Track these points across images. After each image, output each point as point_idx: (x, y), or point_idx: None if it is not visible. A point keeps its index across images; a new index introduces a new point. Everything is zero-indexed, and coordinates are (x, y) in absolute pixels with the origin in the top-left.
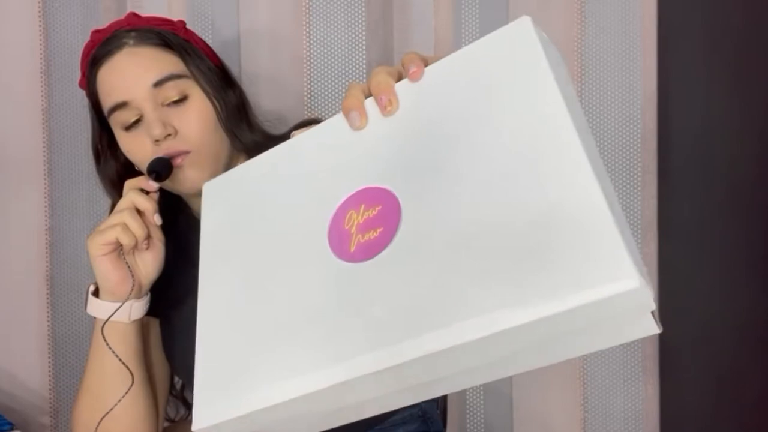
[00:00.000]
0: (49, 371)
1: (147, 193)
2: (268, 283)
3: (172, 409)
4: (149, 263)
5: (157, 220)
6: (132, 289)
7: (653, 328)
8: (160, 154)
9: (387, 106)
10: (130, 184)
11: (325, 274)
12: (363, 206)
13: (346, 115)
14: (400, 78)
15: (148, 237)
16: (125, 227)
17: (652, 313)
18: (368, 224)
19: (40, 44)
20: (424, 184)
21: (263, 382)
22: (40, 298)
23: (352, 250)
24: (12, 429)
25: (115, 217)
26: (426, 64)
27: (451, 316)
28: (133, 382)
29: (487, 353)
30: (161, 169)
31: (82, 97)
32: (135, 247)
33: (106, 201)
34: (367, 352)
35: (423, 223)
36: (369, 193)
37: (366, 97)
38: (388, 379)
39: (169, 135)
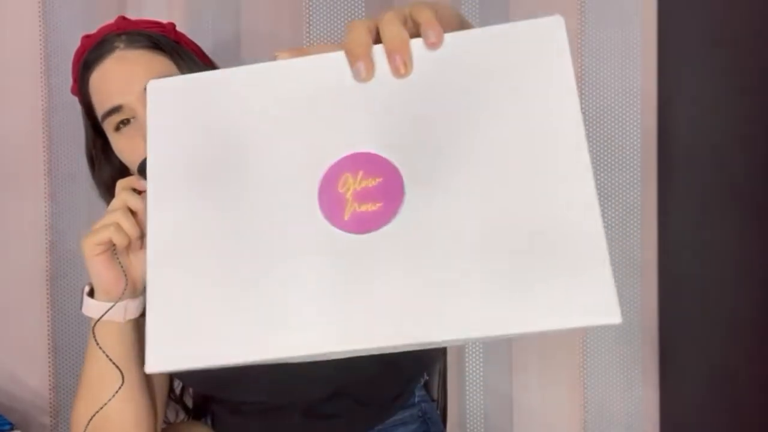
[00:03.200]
0: (49, 371)
1: (139, 192)
2: (238, 230)
3: (172, 413)
4: (144, 262)
5: None
6: (125, 289)
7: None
8: None
9: (401, 69)
10: (122, 185)
11: (311, 237)
12: (362, 173)
13: (351, 63)
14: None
15: (142, 236)
16: (118, 227)
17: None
18: (366, 195)
19: (40, 44)
20: (430, 168)
21: (226, 339)
22: (40, 298)
23: (346, 218)
24: (12, 429)
25: (108, 217)
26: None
27: (434, 318)
28: (123, 383)
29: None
30: None
31: None
32: (129, 246)
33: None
34: (340, 329)
35: (425, 211)
36: (369, 160)
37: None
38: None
39: None
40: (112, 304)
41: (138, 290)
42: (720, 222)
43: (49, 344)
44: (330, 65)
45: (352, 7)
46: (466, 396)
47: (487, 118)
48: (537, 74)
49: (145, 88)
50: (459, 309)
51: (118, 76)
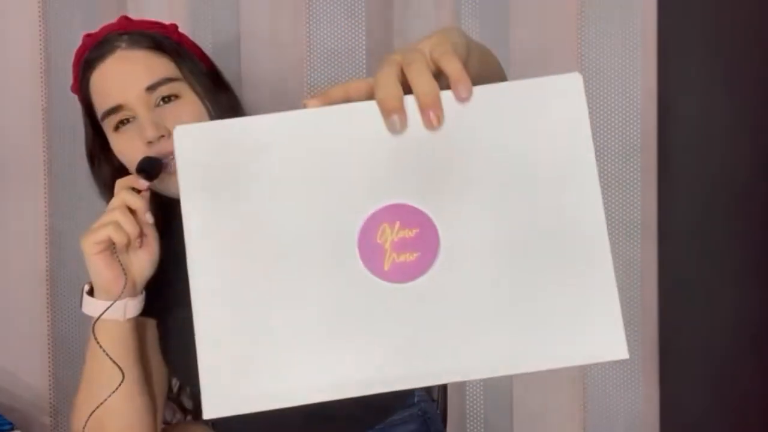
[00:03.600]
0: (49, 371)
1: (138, 192)
2: (282, 277)
3: (169, 413)
4: (143, 261)
5: (148, 218)
6: (124, 287)
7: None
8: (151, 155)
9: (434, 123)
10: (121, 184)
11: (354, 286)
12: (398, 223)
13: (386, 116)
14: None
15: (142, 235)
16: (117, 225)
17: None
18: (404, 245)
19: (40, 44)
20: (462, 216)
21: (282, 382)
22: (40, 298)
23: (386, 268)
24: (12, 429)
25: (107, 216)
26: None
27: (468, 357)
28: (123, 380)
29: None
30: (150, 168)
31: None
32: (128, 245)
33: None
34: (386, 372)
35: (459, 259)
36: (405, 211)
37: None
38: None
39: (162, 136)
40: (111, 302)
41: (137, 289)
42: (720, 222)
43: (49, 344)
44: (361, 115)
45: (352, 8)
46: (466, 396)
47: (511, 168)
48: (556, 127)
49: (145, 88)
50: (485, 350)
51: (119, 75)
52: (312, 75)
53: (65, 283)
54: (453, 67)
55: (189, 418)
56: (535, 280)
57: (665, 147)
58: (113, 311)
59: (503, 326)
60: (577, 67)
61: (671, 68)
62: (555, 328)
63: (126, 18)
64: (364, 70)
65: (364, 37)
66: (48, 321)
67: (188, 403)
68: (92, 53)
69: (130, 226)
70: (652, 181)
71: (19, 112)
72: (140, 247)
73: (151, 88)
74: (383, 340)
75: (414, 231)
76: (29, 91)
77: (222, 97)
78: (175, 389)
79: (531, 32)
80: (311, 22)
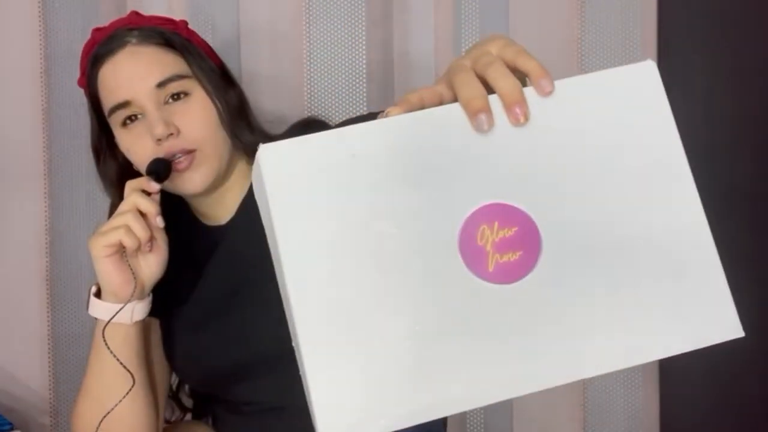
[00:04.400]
0: (49, 371)
1: (148, 194)
2: (387, 289)
3: (168, 411)
4: (152, 265)
5: (159, 222)
6: (134, 291)
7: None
8: (161, 155)
9: (521, 119)
10: (131, 186)
11: (461, 290)
12: (497, 224)
13: (472, 116)
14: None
15: (151, 238)
16: (128, 229)
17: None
18: (505, 245)
19: (40, 44)
20: (559, 211)
21: (396, 400)
22: (40, 298)
23: (490, 269)
24: (12, 429)
25: (118, 219)
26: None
27: (585, 355)
28: (133, 385)
29: None
30: (160, 170)
31: (82, 97)
32: (138, 248)
33: (106, 201)
34: (505, 379)
35: (563, 255)
36: (502, 210)
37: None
38: None
39: (171, 134)
40: (120, 305)
41: (146, 292)
42: (720, 222)
43: (49, 344)
44: (445, 118)
45: (352, 6)
46: None
47: (600, 158)
48: (639, 115)
49: (155, 85)
50: (604, 344)
51: (129, 71)
52: (312, 74)
53: (65, 283)
54: (532, 64)
55: (188, 416)
56: (640, 268)
57: None
58: (121, 315)
59: (618, 318)
60: (578, 67)
61: (671, 68)
62: (668, 315)
63: (136, 13)
64: (364, 69)
65: (364, 37)
66: (48, 321)
67: (187, 402)
68: (102, 48)
69: (141, 231)
70: None
71: (19, 112)
72: (150, 251)
73: (161, 85)
74: (498, 344)
75: (513, 229)
76: (29, 91)
77: (231, 95)
78: (174, 385)
79: (531, 33)
80: (311, 22)
